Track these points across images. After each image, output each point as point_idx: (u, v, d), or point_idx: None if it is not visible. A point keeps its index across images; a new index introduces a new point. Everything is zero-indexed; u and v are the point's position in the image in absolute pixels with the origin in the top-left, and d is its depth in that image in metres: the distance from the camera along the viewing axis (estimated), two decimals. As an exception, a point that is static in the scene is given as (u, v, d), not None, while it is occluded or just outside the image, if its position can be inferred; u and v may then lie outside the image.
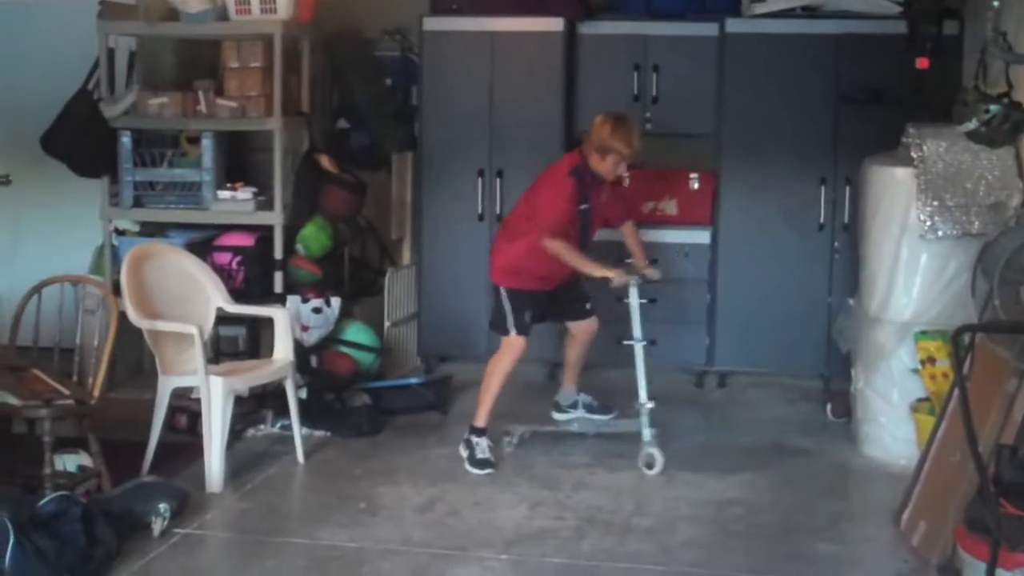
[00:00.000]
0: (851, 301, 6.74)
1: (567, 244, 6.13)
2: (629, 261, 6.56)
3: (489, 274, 6.55)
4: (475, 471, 6.13)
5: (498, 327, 6.41)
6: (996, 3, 5.32)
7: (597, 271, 6.13)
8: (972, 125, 5.64)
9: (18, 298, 5.94)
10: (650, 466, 6.07)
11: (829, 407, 7.09)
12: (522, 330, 6.32)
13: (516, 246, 6.32)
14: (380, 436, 6.67)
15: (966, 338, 5.12)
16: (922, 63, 6.70)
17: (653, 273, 6.39)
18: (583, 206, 6.22)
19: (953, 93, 6.09)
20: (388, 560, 5.03)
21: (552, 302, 6.45)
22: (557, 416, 6.72)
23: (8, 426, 5.98)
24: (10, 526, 4.53)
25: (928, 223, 6.02)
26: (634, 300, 6.19)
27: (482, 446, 6.22)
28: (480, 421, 6.28)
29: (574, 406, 6.71)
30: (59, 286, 6.00)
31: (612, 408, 6.68)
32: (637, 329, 6.19)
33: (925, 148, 6.08)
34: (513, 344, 6.33)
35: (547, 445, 6.47)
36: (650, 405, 6.14)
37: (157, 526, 5.18)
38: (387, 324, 7.86)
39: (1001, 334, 4.74)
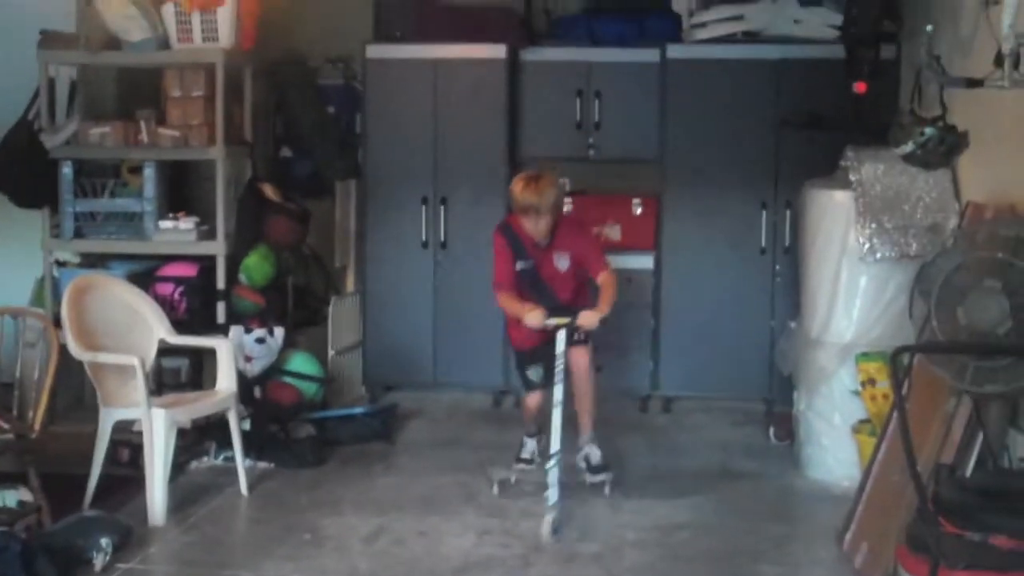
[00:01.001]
0: (792, 324, 6.79)
1: (507, 295, 6.03)
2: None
3: None
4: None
5: None
6: (929, 27, 5.40)
7: (521, 312, 5.94)
8: (908, 148, 5.71)
9: (-43, 332, 5.87)
10: (556, 531, 5.58)
11: (772, 430, 7.13)
12: (527, 387, 6.26)
13: None
14: (325, 466, 6.63)
15: (905, 359, 5.17)
16: (860, 87, 6.77)
17: (584, 320, 5.87)
18: (522, 263, 6.07)
19: (891, 116, 6.16)
20: (333, 591, 5.00)
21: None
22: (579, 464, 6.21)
23: (-53, 462, 5.90)
24: (-53, 564, 4.47)
25: (867, 245, 6.08)
26: (559, 346, 5.79)
27: (528, 447, 6.39)
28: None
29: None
30: (-2, 319, 5.93)
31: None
32: (558, 374, 5.77)
33: (863, 171, 6.15)
34: (525, 400, 6.37)
35: (490, 470, 6.42)
36: (554, 462, 5.70)
37: (99, 561, 5.10)
38: (331, 353, 7.83)
39: (939, 355, 4.78)
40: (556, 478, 5.65)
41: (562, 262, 6.12)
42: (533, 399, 6.26)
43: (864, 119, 6.83)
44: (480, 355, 7.74)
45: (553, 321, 5.86)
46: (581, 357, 6.11)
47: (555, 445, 5.73)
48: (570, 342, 6.04)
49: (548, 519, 5.56)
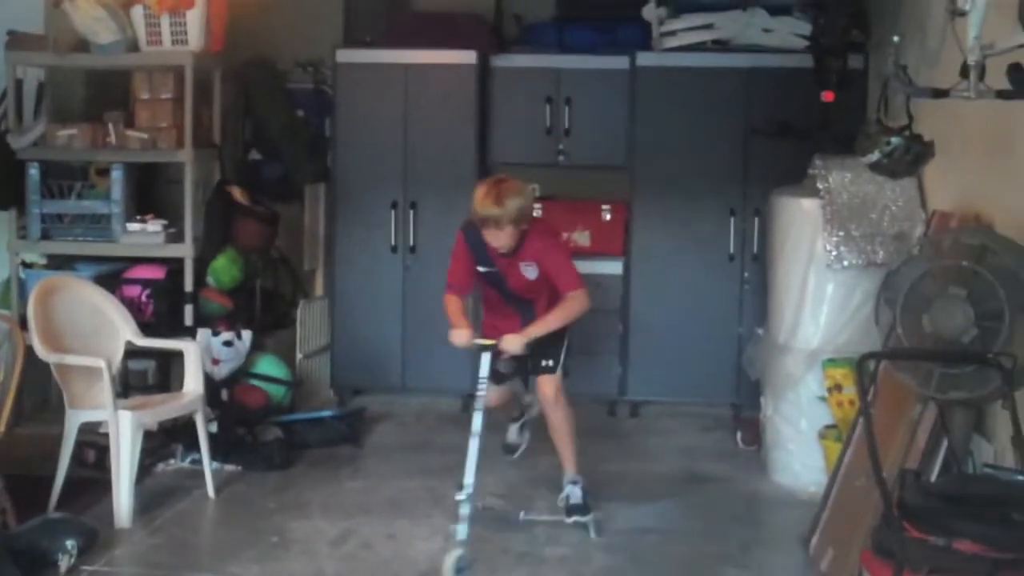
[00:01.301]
0: (760, 330, 6.83)
1: (453, 299, 5.73)
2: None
3: None
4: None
5: None
6: (896, 38, 5.44)
7: (452, 325, 5.63)
8: (875, 157, 5.73)
9: (-79, 333, 5.82)
10: (461, 570, 5.08)
11: (739, 435, 7.17)
12: (496, 380, 5.74)
13: None
14: (293, 469, 6.61)
15: (871, 365, 5.20)
16: (828, 96, 6.82)
17: (506, 344, 5.48)
18: (484, 268, 5.71)
19: (858, 126, 6.20)
20: (300, 594, 4.99)
21: (524, 358, 5.75)
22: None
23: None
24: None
25: (834, 253, 6.12)
26: (482, 369, 5.48)
27: (512, 432, 6.27)
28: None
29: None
30: (-37, 320, 5.89)
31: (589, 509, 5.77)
32: (479, 400, 5.42)
33: (831, 179, 6.19)
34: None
35: (460, 478, 6.41)
36: (465, 495, 5.24)
37: (64, 564, 5.07)
38: (299, 356, 7.82)
39: (905, 361, 4.82)
40: (468, 512, 5.20)
41: (529, 271, 5.72)
42: (498, 393, 5.86)
43: (832, 128, 6.87)
44: (448, 359, 7.64)
45: (478, 342, 5.60)
46: (545, 388, 5.73)
47: (468, 478, 5.28)
48: (535, 371, 5.78)
49: (453, 555, 5.08)
